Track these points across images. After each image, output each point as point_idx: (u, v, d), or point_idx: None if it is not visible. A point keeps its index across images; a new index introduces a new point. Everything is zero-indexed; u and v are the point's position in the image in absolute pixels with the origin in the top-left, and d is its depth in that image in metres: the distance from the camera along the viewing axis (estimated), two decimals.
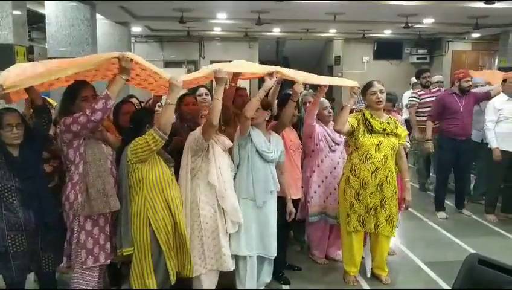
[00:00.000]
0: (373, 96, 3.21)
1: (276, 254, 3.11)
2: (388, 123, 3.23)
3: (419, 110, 5.69)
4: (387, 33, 10.80)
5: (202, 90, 3.68)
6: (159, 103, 3.69)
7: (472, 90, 4.90)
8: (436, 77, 6.09)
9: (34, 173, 2.58)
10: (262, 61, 10.56)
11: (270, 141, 3.08)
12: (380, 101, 3.20)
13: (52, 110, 3.11)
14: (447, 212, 5.03)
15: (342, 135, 3.54)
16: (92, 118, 2.46)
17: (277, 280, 3.38)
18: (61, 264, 2.74)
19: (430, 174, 6.28)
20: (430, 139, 5.01)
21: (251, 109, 2.89)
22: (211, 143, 2.86)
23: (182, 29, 9.48)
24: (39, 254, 2.62)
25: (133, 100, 3.73)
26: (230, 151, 3.03)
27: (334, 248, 3.82)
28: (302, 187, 3.56)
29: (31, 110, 2.71)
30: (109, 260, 2.69)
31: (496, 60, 10.60)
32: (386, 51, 12.05)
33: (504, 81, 4.76)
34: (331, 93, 11.23)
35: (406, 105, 6.22)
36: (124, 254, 2.60)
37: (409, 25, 8.20)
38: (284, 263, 3.56)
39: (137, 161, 2.58)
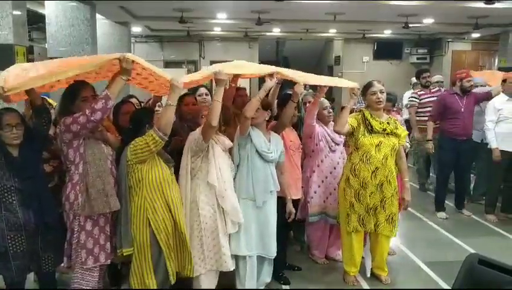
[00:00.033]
0: (373, 96, 3.21)
1: (276, 254, 3.11)
2: (388, 123, 3.23)
3: (419, 110, 5.69)
4: (387, 33, 10.81)
5: (202, 90, 3.68)
6: (159, 103, 3.69)
7: (473, 91, 4.90)
8: (436, 77, 6.08)
9: (33, 173, 2.58)
10: (262, 61, 10.53)
11: (270, 141, 3.08)
12: (380, 101, 3.20)
13: (52, 110, 3.11)
14: (447, 213, 5.03)
15: (341, 135, 3.54)
16: (92, 118, 2.46)
17: (277, 280, 3.38)
18: (62, 265, 2.74)
19: (430, 174, 6.28)
20: (431, 140, 5.01)
21: (251, 109, 2.89)
22: (211, 143, 2.86)
23: (182, 29, 9.48)
24: (39, 254, 2.62)
25: (133, 100, 3.72)
26: (230, 151, 3.03)
27: (334, 248, 3.82)
28: (302, 187, 3.56)
29: (31, 111, 2.71)
30: (109, 260, 2.70)
31: (496, 60, 10.60)
32: (386, 51, 12.05)
33: (504, 81, 4.76)
34: (331, 93, 11.24)
35: (406, 105, 6.22)
36: (124, 254, 2.60)
37: (409, 25, 8.21)
38: (284, 263, 3.56)
39: (137, 162, 2.58)
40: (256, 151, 2.98)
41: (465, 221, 4.94)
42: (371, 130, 3.19)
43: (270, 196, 3.06)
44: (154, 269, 2.64)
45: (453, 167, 4.99)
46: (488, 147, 4.75)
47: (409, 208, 3.58)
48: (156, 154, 2.65)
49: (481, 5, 6.63)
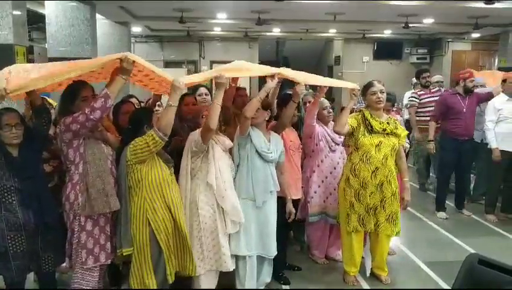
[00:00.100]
0: (373, 96, 3.21)
1: (276, 254, 3.11)
2: (388, 123, 3.23)
3: (419, 110, 5.68)
4: (387, 33, 10.80)
5: (202, 90, 3.68)
6: (159, 103, 3.69)
7: (475, 91, 4.90)
8: (436, 77, 6.08)
9: (33, 173, 2.58)
10: (262, 61, 10.55)
11: (269, 141, 3.08)
12: (381, 101, 3.20)
13: (52, 110, 3.11)
14: (447, 213, 5.03)
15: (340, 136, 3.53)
16: (91, 117, 2.46)
17: (277, 280, 3.38)
18: (64, 265, 2.73)
19: (430, 174, 6.28)
20: (433, 140, 5.01)
21: (251, 109, 2.89)
22: (211, 143, 2.86)
23: (182, 29, 9.48)
24: (39, 254, 2.61)
25: (133, 100, 3.72)
26: (231, 151, 3.03)
27: (334, 248, 3.82)
28: (302, 187, 3.56)
29: (31, 111, 2.71)
30: (109, 260, 2.70)
31: (496, 60, 10.60)
32: (386, 51, 12.04)
33: (504, 81, 4.76)
34: (331, 93, 11.23)
35: (406, 105, 6.22)
36: (124, 254, 2.60)
37: (409, 25, 8.20)
38: (284, 263, 3.55)
39: (137, 162, 2.58)
40: (256, 151, 2.98)
41: (465, 221, 4.94)
42: (370, 130, 3.19)
43: (270, 196, 3.06)
44: (154, 269, 2.63)
45: (454, 167, 4.99)
46: (488, 147, 4.75)
47: (409, 208, 3.58)
48: (156, 154, 2.64)
49: (481, 5, 6.62)
